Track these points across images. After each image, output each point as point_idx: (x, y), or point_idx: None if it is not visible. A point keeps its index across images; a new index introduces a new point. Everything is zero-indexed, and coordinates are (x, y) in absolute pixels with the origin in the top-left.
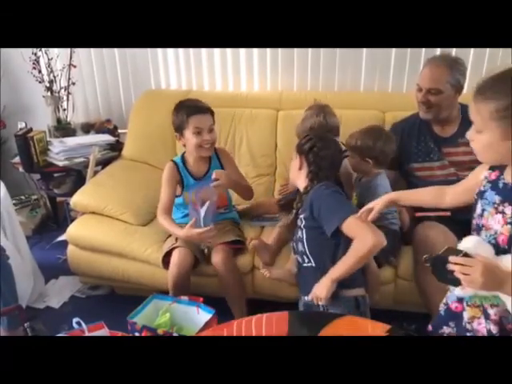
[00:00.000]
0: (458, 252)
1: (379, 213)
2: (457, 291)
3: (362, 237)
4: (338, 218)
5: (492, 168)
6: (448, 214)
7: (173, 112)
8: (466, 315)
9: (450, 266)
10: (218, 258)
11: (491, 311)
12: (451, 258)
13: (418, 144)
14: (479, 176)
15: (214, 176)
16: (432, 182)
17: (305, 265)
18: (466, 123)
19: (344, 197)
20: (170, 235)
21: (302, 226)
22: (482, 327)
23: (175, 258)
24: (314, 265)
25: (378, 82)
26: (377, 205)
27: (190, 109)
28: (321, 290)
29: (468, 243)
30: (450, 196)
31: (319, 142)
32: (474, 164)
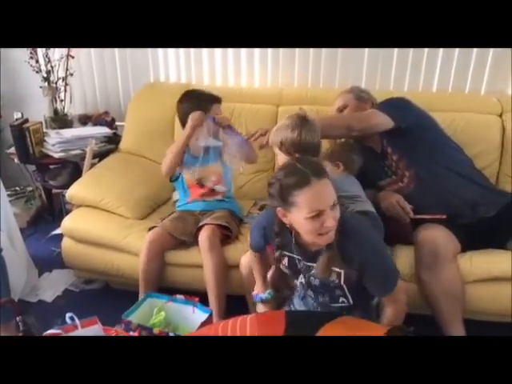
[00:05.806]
0: None
1: None
2: None
3: (402, 307)
4: (391, 285)
5: None
6: (444, 216)
7: (183, 100)
8: None
9: None
10: (203, 236)
11: None
12: None
13: (370, 163)
14: None
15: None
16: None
17: (335, 305)
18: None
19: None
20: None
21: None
22: None
23: (148, 237)
24: (351, 303)
25: (379, 80)
26: None
27: (211, 97)
28: None
29: None
30: None
31: None
32: (406, 172)
